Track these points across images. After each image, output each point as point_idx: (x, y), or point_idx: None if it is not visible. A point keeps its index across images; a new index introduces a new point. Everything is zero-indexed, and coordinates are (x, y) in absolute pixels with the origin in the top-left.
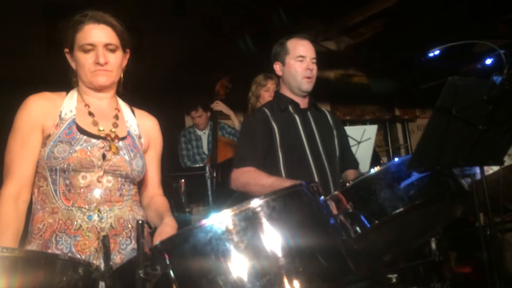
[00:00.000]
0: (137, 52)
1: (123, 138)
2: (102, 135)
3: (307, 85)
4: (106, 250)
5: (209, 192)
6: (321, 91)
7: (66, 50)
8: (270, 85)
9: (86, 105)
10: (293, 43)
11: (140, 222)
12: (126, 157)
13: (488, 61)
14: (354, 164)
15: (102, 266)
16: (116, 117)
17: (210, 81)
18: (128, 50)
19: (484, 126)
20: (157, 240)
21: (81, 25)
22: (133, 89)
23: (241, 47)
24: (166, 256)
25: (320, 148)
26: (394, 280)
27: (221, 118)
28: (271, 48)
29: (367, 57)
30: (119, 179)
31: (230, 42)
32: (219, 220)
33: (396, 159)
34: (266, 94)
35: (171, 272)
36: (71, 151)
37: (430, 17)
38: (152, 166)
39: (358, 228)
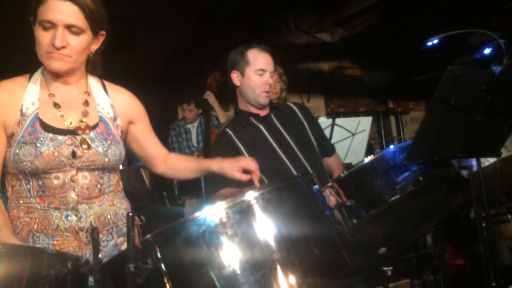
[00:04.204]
0: (130, 42)
1: (94, 127)
2: (71, 128)
3: (265, 99)
4: (95, 243)
5: (202, 184)
6: (315, 83)
7: (31, 19)
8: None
9: (51, 94)
10: (253, 55)
11: (130, 214)
12: (100, 149)
13: (487, 51)
14: (331, 150)
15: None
16: (86, 103)
17: (204, 73)
18: (102, 33)
19: (482, 117)
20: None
21: None
22: (125, 79)
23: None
24: (158, 250)
25: (295, 148)
26: (389, 272)
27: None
28: (265, 40)
29: (361, 49)
30: (96, 172)
31: (224, 33)
32: (213, 213)
33: (392, 147)
34: None
35: (163, 266)
36: (36, 153)
37: (424, 9)
38: (146, 137)
39: (354, 219)
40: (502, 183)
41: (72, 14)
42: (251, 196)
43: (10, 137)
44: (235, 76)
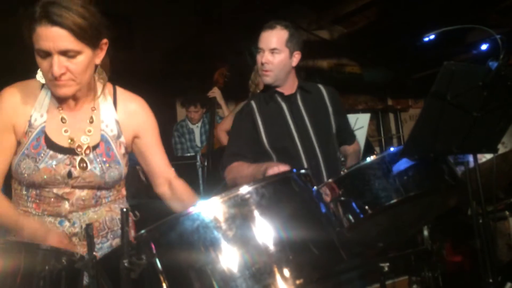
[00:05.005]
0: (129, 40)
1: (95, 147)
2: (73, 147)
3: (264, 78)
4: (89, 239)
5: (200, 181)
6: (313, 80)
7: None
8: (259, 73)
9: (59, 107)
10: (261, 33)
11: (124, 210)
12: (97, 171)
13: (484, 47)
14: (350, 139)
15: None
16: (91, 120)
17: (203, 69)
18: (103, 42)
19: (478, 113)
20: None
21: (33, 25)
22: (124, 77)
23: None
24: (152, 245)
25: (311, 133)
26: (386, 269)
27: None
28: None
29: (360, 46)
30: (94, 189)
31: (223, 29)
32: (207, 208)
33: (392, 149)
34: None
35: (157, 261)
36: (35, 168)
37: (423, 7)
38: (153, 151)
39: (351, 217)
40: (499, 179)
41: (63, 39)
42: (245, 190)
43: (18, 144)
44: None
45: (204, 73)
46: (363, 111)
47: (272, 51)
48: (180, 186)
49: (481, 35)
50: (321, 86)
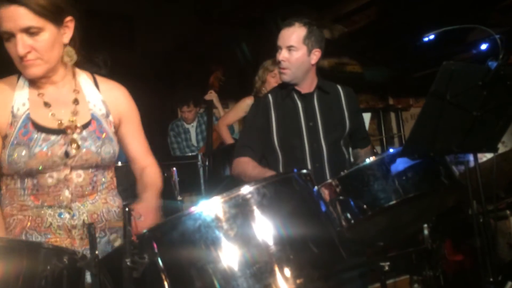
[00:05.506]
0: (129, 41)
1: (86, 125)
2: (63, 127)
3: (282, 76)
4: (91, 238)
5: (201, 181)
6: None
7: None
8: (277, 71)
9: (40, 93)
10: (281, 31)
11: (127, 209)
12: (93, 148)
13: (483, 46)
14: (364, 143)
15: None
16: (76, 101)
17: (202, 70)
18: (68, 19)
19: (478, 113)
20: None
21: None
22: (125, 77)
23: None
24: (154, 244)
25: (321, 135)
26: (386, 268)
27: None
28: (264, 37)
29: (361, 45)
30: (90, 170)
31: (223, 31)
32: (208, 207)
33: (391, 150)
34: (273, 80)
35: (159, 260)
36: (30, 154)
37: (424, 6)
38: (132, 138)
39: (350, 217)
40: (499, 178)
41: (22, 17)
42: (246, 190)
43: (3, 138)
44: None
45: (204, 74)
46: (364, 110)
47: (289, 48)
48: (149, 177)
49: (482, 34)
50: (339, 87)
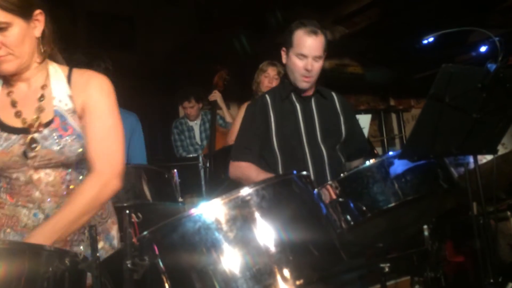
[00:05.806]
0: (131, 42)
1: (48, 123)
2: (26, 126)
3: (303, 84)
4: (93, 240)
5: (202, 182)
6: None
7: None
8: (270, 71)
9: (10, 91)
10: (298, 37)
11: (127, 212)
12: (54, 147)
13: (483, 49)
14: (360, 152)
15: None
16: (42, 97)
17: (204, 71)
18: (37, 13)
19: (477, 115)
20: None
21: None
22: (126, 78)
23: (237, 48)
24: (154, 246)
25: (319, 138)
26: (386, 269)
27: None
28: (266, 37)
29: (362, 47)
30: (60, 169)
31: (224, 31)
32: (208, 209)
33: (391, 153)
34: (266, 80)
35: (160, 262)
36: None
37: (424, 7)
38: (93, 135)
39: (349, 219)
40: (499, 180)
41: None
42: (245, 192)
43: None
44: (283, 54)
45: (207, 73)
46: (365, 111)
47: (316, 58)
48: (84, 182)
49: (483, 35)
50: (333, 94)
